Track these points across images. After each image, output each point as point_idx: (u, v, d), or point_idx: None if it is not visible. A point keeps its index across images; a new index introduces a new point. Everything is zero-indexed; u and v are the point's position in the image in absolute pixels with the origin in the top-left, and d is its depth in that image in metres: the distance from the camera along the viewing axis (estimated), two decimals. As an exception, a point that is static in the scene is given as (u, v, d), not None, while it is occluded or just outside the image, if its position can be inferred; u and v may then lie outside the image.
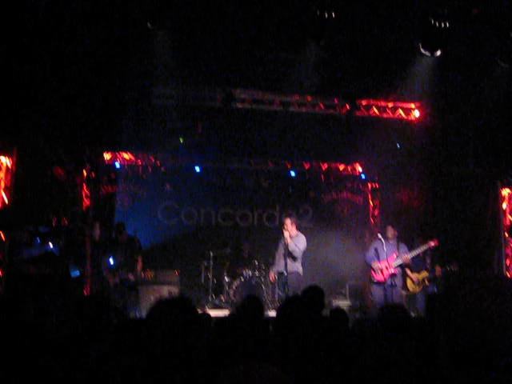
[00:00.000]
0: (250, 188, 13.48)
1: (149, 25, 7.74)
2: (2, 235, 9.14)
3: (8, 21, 7.55)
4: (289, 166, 13.62)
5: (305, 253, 10.39)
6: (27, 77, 8.13)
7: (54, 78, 8.69)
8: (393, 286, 9.94)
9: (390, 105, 11.27)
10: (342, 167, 14.10)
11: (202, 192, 13.28)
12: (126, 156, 13.05)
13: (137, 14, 7.80)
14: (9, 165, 9.17)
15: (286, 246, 10.22)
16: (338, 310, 5.67)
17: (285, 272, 10.21)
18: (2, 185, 9.12)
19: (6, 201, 9.16)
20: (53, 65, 8.45)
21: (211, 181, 13.30)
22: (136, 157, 13.09)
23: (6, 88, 7.91)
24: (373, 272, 10.22)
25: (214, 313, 9.57)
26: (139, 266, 9.77)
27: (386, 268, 10.04)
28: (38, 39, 7.94)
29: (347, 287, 12.70)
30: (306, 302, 4.92)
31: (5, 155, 9.06)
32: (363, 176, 14.21)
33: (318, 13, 7.67)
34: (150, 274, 10.30)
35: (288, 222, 10.35)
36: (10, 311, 4.67)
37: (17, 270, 9.40)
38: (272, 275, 11.02)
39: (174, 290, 11.56)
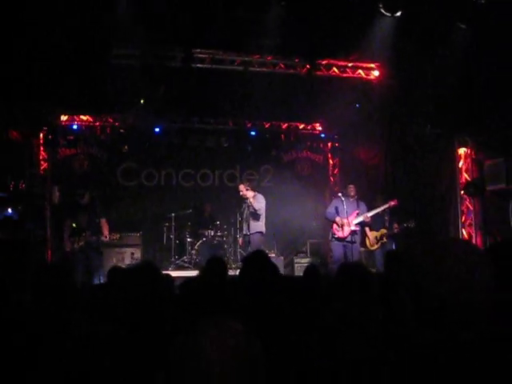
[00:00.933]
0: (210, 148, 13.46)
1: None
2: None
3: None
4: (249, 126, 13.63)
5: (265, 212, 10.60)
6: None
7: (10, 34, 8.44)
8: (352, 242, 10.16)
9: (350, 64, 11.33)
10: (301, 126, 14.19)
11: (162, 153, 13.21)
12: (84, 117, 12.83)
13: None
14: (-37, 129, 8.99)
15: (249, 206, 10.45)
16: (311, 266, 5.85)
17: (248, 232, 10.42)
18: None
19: (-38, 166, 9.02)
20: (9, 19, 8.19)
21: (171, 141, 13.20)
22: (94, 118, 12.89)
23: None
24: (334, 228, 10.38)
25: (177, 273, 9.69)
26: (105, 228, 9.70)
27: (347, 225, 10.23)
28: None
29: (308, 245, 12.96)
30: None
31: (-42, 118, 8.88)
32: (323, 135, 14.34)
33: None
34: (115, 237, 10.24)
35: (242, 187, 10.73)
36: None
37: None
38: (241, 240, 11.19)
39: (137, 252, 11.64)
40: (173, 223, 12.23)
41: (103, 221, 9.82)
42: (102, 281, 8.94)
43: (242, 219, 10.98)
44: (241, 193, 10.72)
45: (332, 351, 3.03)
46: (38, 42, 8.73)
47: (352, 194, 10.38)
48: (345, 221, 10.08)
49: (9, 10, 8.05)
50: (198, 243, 12.11)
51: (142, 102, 11.07)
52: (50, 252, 11.39)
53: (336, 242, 10.34)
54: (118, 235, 10.15)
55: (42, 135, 12.40)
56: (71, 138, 12.84)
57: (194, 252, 12.11)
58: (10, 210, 10.29)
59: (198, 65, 10.56)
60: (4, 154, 10.38)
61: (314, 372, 2.94)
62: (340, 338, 3.18)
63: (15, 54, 8.73)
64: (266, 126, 13.76)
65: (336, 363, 2.92)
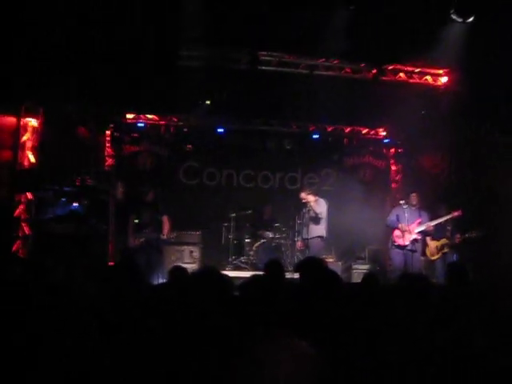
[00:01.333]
0: (272, 150, 13.45)
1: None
2: (29, 195, 9.33)
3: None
4: (312, 129, 13.56)
5: (325, 216, 10.58)
6: (53, 39, 8.14)
7: (80, 39, 8.70)
8: (413, 251, 9.98)
9: (418, 70, 11.11)
10: (365, 131, 14.01)
11: (224, 153, 13.30)
12: (149, 116, 13.06)
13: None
14: (35, 125, 9.28)
15: (310, 210, 10.44)
16: (371, 274, 5.79)
17: (307, 236, 10.39)
18: (29, 145, 9.26)
19: (33, 161, 9.31)
20: (78, 25, 8.44)
21: (233, 142, 13.28)
22: (159, 117, 13.10)
23: (33, 50, 7.94)
24: (395, 236, 10.24)
25: (234, 274, 9.77)
26: (166, 227, 9.89)
27: (408, 233, 10.06)
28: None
29: (367, 251, 12.79)
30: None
31: (32, 116, 9.17)
32: (386, 140, 14.12)
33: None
34: (173, 236, 10.43)
35: (303, 195, 10.69)
36: (41, 272, 4.79)
37: (42, 229, 9.60)
38: (299, 243, 11.17)
39: (196, 250, 11.76)
40: (232, 223, 12.31)
41: (165, 218, 10.00)
42: (161, 279, 9.08)
43: (301, 223, 10.95)
44: (303, 200, 10.70)
45: (377, 353, 3.03)
46: (108, 44, 8.94)
47: (414, 202, 10.20)
48: (406, 228, 9.91)
49: (80, 13, 8.29)
50: (257, 244, 12.14)
51: (207, 102, 11.18)
52: (111, 247, 11.65)
53: (396, 250, 10.20)
54: (175, 234, 10.33)
55: (108, 132, 12.72)
56: (136, 135, 13.09)
57: (251, 253, 12.14)
58: (75, 204, 10.58)
59: (264, 67, 10.57)
60: (72, 150, 10.67)
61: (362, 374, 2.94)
62: (386, 340, 3.15)
63: (86, 56, 8.97)
64: (329, 129, 13.65)
65: (381, 364, 2.91)
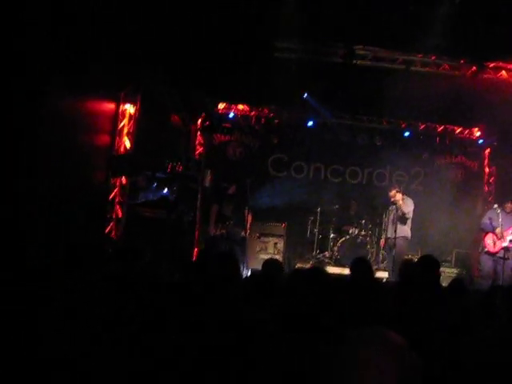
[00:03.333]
0: (362, 146, 13.21)
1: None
2: (124, 179, 9.57)
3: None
4: (403, 126, 13.19)
5: (412, 216, 10.32)
6: (150, 27, 8.28)
7: (177, 28, 8.80)
8: (505, 258, 9.58)
9: (522, 68, 10.57)
10: (458, 130, 13.48)
11: (313, 147, 13.19)
12: (241, 107, 13.12)
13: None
14: (132, 112, 9.49)
15: (397, 209, 10.19)
16: (458, 280, 5.57)
17: (393, 235, 10.14)
18: (126, 131, 9.48)
19: (129, 146, 9.53)
20: (175, 14, 8.55)
21: (323, 136, 13.15)
22: (250, 108, 13.13)
23: (131, 38, 8.10)
24: (486, 240, 9.86)
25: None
26: (249, 219, 9.92)
27: (501, 240, 9.65)
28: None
29: (454, 254, 12.35)
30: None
31: (129, 103, 9.38)
32: (481, 141, 13.52)
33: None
34: (255, 236, 10.51)
35: (393, 193, 10.38)
36: (131, 257, 4.87)
37: (134, 213, 9.84)
38: (382, 242, 10.96)
39: (280, 242, 11.73)
40: (318, 217, 12.18)
41: (247, 215, 10.02)
42: (245, 270, 9.12)
43: (388, 221, 10.71)
44: (392, 199, 10.44)
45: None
46: (203, 34, 9.02)
47: (508, 210, 9.77)
48: (501, 233, 9.49)
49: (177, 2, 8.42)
50: (341, 240, 11.97)
51: (300, 95, 11.11)
52: (197, 234, 11.82)
53: (486, 256, 9.84)
54: (258, 234, 10.35)
55: (199, 121, 12.87)
56: (227, 125, 13.19)
57: (335, 248, 11.99)
58: (166, 190, 10.78)
59: (359, 61, 10.36)
60: (165, 137, 10.85)
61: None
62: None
63: (182, 45, 9.08)
64: (421, 127, 13.24)
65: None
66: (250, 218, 10.22)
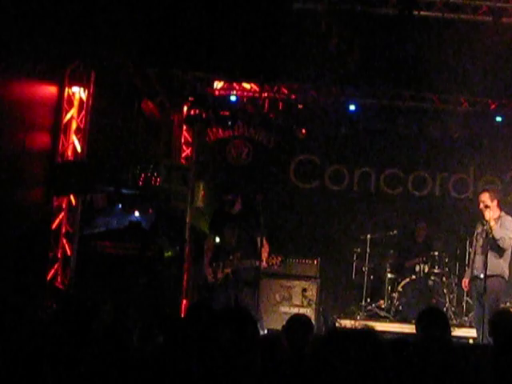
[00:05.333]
0: (431, 139, 13.17)
1: None
2: (73, 199, 9.61)
3: None
4: (493, 107, 13.13)
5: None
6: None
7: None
8: None
9: None
10: None
11: (358, 142, 13.23)
12: (247, 86, 13.16)
13: None
14: (83, 98, 9.55)
15: (488, 233, 10.05)
16: None
17: (481, 274, 10.04)
18: (74, 126, 9.53)
19: (79, 149, 9.58)
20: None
21: (371, 126, 13.14)
22: (261, 88, 13.16)
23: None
24: None
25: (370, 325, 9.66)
26: (265, 250, 9.88)
27: None
28: None
29: None
30: None
31: (79, 84, 9.43)
32: None
33: None
34: (276, 261, 10.38)
35: (486, 197, 10.15)
36: (84, 314, 4.90)
37: (90, 249, 9.89)
38: (466, 282, 10.85)
39: (311, 288, 11.71)
40: (367, 249, 12.18)
41: (263, 239, 9.97)
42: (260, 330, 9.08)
43: (474, 252, 10.60)
44: (482, 205, 10.16)
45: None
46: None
47: None
48: None
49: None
50: (404, 282, 11.93)
51: (332, 66, 11.14)
52: (186, 278, 11.85)
53: None
54: (280, 258, 10.26)
55: (186, 109, 12.91)
56: (227, 113, 13.20)
57: (395, 295, 11.95)
58: (137, 214, 10.82)
59: (423, 12, 10.38)
60: (135, 134, 10.90)
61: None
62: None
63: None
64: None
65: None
66: (265, 249, 10.19)
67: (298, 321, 5.51)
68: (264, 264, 9.89)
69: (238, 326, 3.90)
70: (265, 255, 9.88)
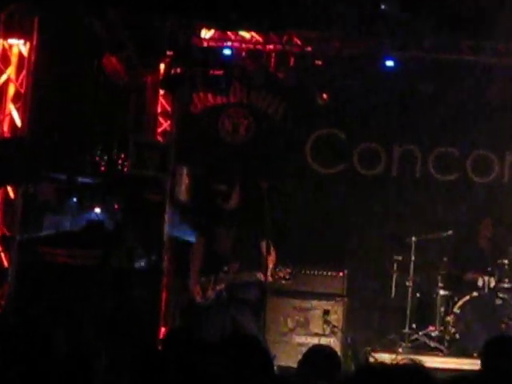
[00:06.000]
0: (497, 106, 13.18)
1: None
2: (10, 191, 9.66)
3: None
4: None
5: None
6: None
7: None
8: None
9: None
10: None
11: (398, 111, 13.27)
12: (246, 35, 13.21)
13: None
14: (24, 53, 9.60)
15: None
16: None
17: None
18: (11, 91, 9.58)
19: (18, 122, 9.63)
20: None
21: (415, 88, 13.18)
22: (264, 37, 13.20)
23: None
24: None
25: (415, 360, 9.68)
26: (271, 260, 9.89)
27: None
28: None
29: None
30: None
31: (17, 36, 9.47)
32: None
33: None
34: (284, 275, 10.40)
35: None
36: (26, 347, 4.96)
37: (35, 257, 9.94)
38: None
39: (336, 310, 11.75)
40: (412, 257, 12.18)
41: (268, 246, 9.97)
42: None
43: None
44: None
45: None
46: None
47: None
48: None
49: None
50: (462, 301, 11.98)
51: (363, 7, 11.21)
52: (165, 297, 11.89)
53: None
54: (289, 271, 10.27)
55: (163, 67, 12.94)
56: (219, 72, 13.24)
57: (450, 319, 12.00)
58: (97, 211, 10.86)
59: None
60: (92, 101, 10.94)
61: None
62: None
63: None
64: None
65: None
66: (272, 258, 10.21)
67: (319, 354, 5.53)
68: (269, 277, 9.84)
69: (242, 359, 3.89)
70: (270, 265, 9.84)
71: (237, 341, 4.42)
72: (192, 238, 11.01)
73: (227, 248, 10.01)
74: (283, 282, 10.31)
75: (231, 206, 10.07)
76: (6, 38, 9.44)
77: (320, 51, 13.06)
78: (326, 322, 11.71)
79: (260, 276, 9.75)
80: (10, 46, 9.55)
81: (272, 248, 9.89)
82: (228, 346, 4.23)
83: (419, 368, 3.28)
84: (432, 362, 10.51)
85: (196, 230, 10.65)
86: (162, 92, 13.06)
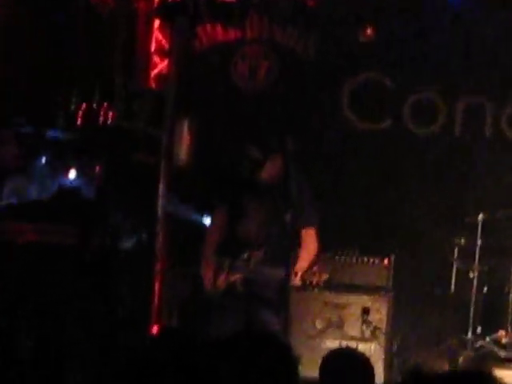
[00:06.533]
0: None
1: None
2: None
3: None
4: None
5: None
6: None
7: None
8: None
9: None
10: None
11: (462, 54, 13.26)
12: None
13: None
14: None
15: None
16: None
17: None
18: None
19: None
20: None
21: (485, 24, 13.17)
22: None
23: None
24: None
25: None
26: (311, 251, 9.83)
27: None
28: None
29: None
30: None
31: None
32: None
33: None
34: (318, 280, 10.37)
35: None
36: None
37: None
38: None
39: (379, 307, 11.75)
40: (478, 240, 12.17)
41: (309, 232, 9.92)
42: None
43: None
44: None
45: None
46: None
47: None
48: None
49: None
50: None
51: None
52: (159, 285, 11.92)
53: None
54: (326, 277, 10.22)
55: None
56: (227, 1, 13.26)
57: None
58: (73, 175, 10.87)
59: None
60: (69, 34, 10.96)
61: None
62: None
63: None
64: None
65: None
66: (311, 250, 10.15)
67: (339, 361, 5.50)
68: (296, 280, 9.67)
69: (256, 362, 3.87)
70: (302, 264, 9.69)
71: (250, 339, 4.35)
72: (193, 216, 10.98)
73: (251, 231, 9.87)
74: (319, 284, 10.15)
75: (265, 179, 9.84)
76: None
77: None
78: (366, 322, 11.70)
79: (285, 276, 9.52)
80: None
81: (314, 236, 9.80)
82: (238, 347, 4.17)
83: (486, 377, 3.26)
84: (501, 373, 10.42)
85: (219, 203, 10.43)
86: (157, 23, 13.04)
